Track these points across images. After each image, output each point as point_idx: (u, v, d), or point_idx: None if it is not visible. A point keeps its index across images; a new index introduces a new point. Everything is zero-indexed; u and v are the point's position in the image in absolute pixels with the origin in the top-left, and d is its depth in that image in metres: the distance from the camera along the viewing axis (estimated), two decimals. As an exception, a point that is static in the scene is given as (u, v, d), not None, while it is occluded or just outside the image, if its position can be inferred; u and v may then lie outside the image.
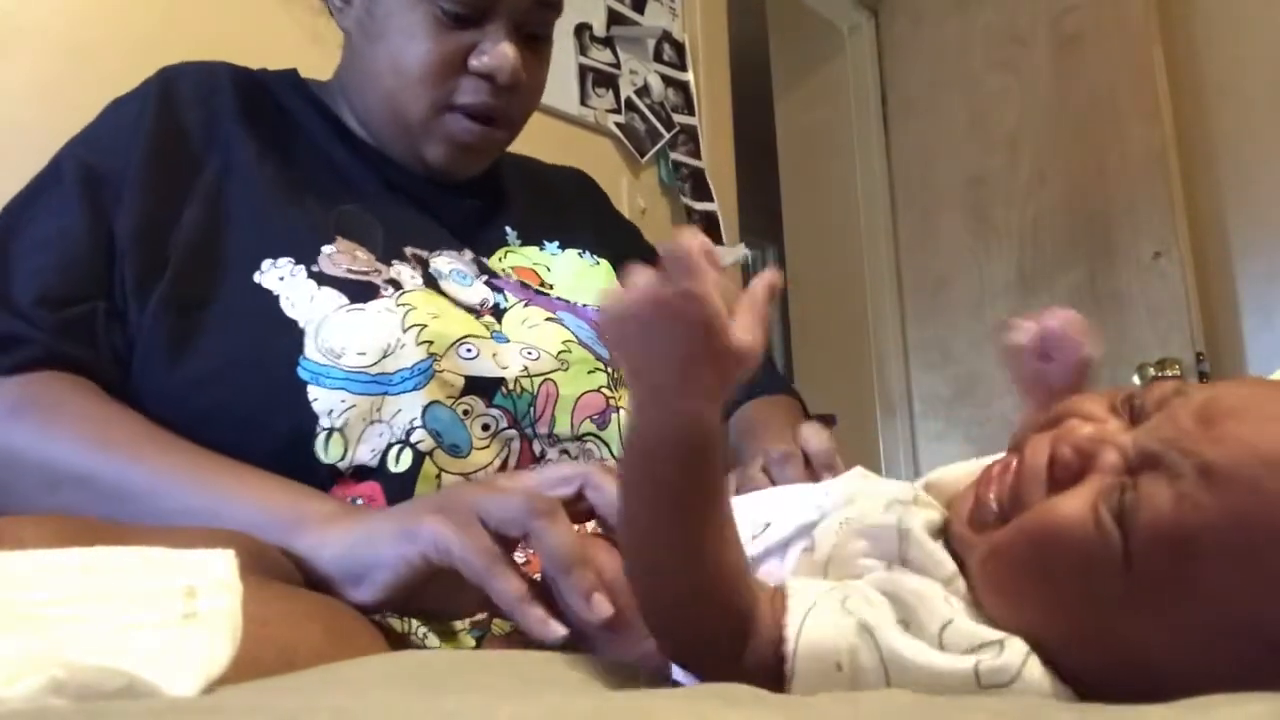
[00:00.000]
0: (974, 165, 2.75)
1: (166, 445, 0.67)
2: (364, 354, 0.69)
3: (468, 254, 0.85)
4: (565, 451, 0.76)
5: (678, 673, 0.46)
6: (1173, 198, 2.34)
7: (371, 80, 0.83)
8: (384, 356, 0.69)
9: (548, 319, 0.81)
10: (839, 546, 0.46)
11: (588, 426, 0.78)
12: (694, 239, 0.38)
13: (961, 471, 0.49)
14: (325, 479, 0.68)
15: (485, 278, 0.83)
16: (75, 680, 0.27)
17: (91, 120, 0.82)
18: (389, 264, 0.77)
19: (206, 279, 0.74)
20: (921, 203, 2.92)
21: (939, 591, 0.41)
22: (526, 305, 0.82)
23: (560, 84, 1.89)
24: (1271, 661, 0.36)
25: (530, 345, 0.77)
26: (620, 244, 1.00)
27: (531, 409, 0.75)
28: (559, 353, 0.78)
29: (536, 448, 0.75)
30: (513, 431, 0.74)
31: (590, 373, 0.79)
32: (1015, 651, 0.38)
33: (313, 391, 0.68)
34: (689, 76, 2.17)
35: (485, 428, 0.72)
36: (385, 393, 0.69)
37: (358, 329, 0.70)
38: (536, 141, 1.84)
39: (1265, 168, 2.40)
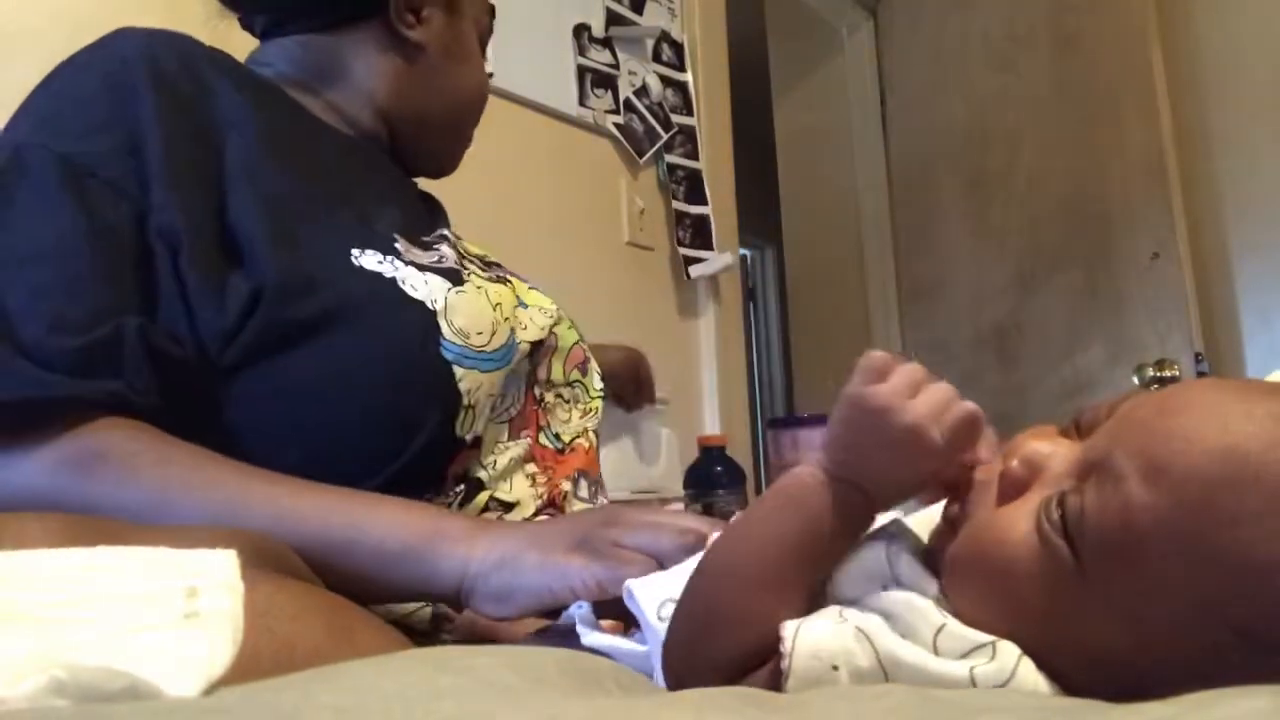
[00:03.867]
0: (973, 165, 2.75)
1: (273, 479, 0.63)
2: (481, 334, 0.73)
3: (449, 235, 0.88)
4: (559, 395, 0.85)
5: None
6: (1171, 198, 2.34)
7: (448, 93, 0.90)
8: (493, 335, 0.74)
9: (530, 287, 0.87)
10: (832, 579, 0.46)
11: (575, 375, 0.87)
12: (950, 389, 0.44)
13: (923, 514, 0.49)
14: (453, 450, 0.72)
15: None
16: (77, 681, 0.27)
17: (32, 101, 0.71)
18: (430, 249, 0.79)
19: (301, 265, 0.68)
20: (920, 203, 2.92)
21: (929, 602, 0.42)
22: (506, 280, 0.85)
23: (559, 84, 1.89)
24: (1238, 646, 0.36)
25: (540, 306, 0.85)
26: None
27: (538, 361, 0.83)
28: (555, 310, 0.86)
29: (537, 393, 0.83)
30: (523, 382, 0.81)
31: (569, 329, 0.87)
32: (1008, 655, 0.39)
33: (457, 372, 0.70)
34: (688, 77, 2.17)
35: (518, 376, 0.80)
36: (497, 369, 0.74)
37: (472, 310, 0.73)
38: (536, 142, 1.85)
39: (1264, 168, 2.40)
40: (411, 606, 0.68)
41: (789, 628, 0.41)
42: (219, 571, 0.35)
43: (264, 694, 0.30)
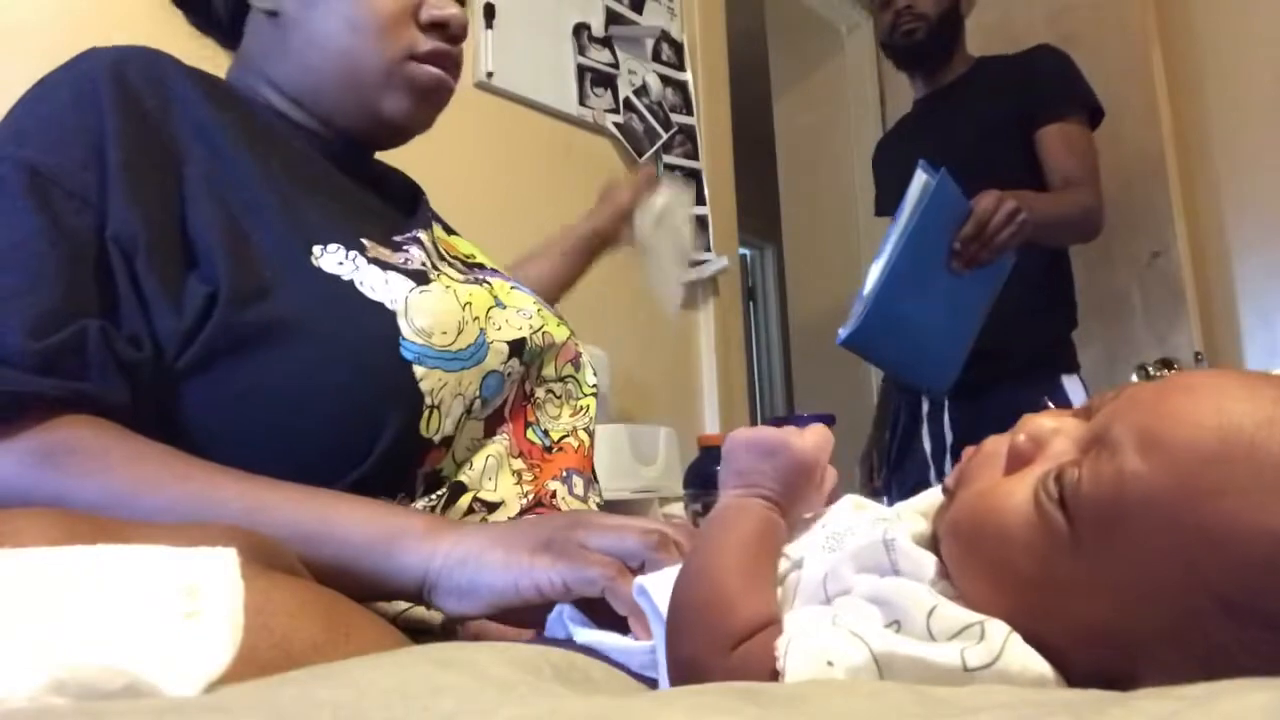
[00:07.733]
0: (973, 165, 2.75)
1: (242, 476, 0.64)
2: (446, 333, 0.72)
3: (422, 238, 0.85)
4: (550, 391, 0.85)
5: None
6: (1171, 198, 2.34)
7: (319, 46, 0.81)
8: (459, 334, 0.73)
9: (512, 288, 0.86)
10: (831, 570, 0.47)
11: (568, 370, 0.87)
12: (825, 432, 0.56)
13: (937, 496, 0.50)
14: (420, 451, 0.71)
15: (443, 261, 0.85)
16: (76, 679, 0.27)
17: (9, 115, 0.72)
18: (399, 250, 0.78)
19: (255, 269, 0.69)
20: (920, 203, 2.92)
21: (922, 585, 0.42)
22: (485, 281, 0.84)
23: (559, 84, 1.89)
24: (1219, 616, 0.37)
25: (519, 307, 0.83)
26: None
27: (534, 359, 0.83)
28: (538, 310, 0.85)
29: (527, 387, 0.83)
30: (516, 379, 0.80)
31: (558, 325, 0.87)
32: (997, 633, 0.39)
33: (418, 371, 0.70)
34: (687, 76, 2.17)
35: (509, 377, 0.80)
36: (464, 368, 0.73)
37: (437, 309, 0.72)
38: (535, 141, 1.85)
39: (1263, 168, 2.40)
40: (421, 612, 0.68)
41: (784, 636, 0.41)
42: (219, 570, 0.35)
43: (263, 692, 0.30)
